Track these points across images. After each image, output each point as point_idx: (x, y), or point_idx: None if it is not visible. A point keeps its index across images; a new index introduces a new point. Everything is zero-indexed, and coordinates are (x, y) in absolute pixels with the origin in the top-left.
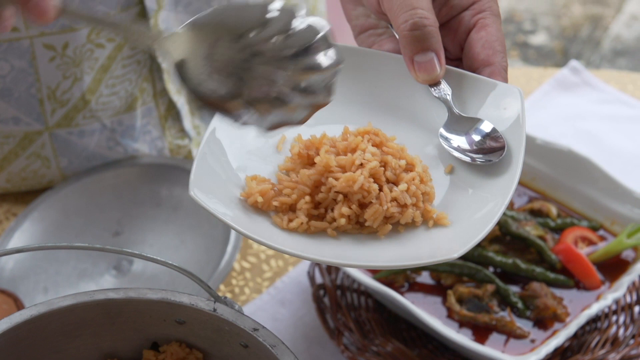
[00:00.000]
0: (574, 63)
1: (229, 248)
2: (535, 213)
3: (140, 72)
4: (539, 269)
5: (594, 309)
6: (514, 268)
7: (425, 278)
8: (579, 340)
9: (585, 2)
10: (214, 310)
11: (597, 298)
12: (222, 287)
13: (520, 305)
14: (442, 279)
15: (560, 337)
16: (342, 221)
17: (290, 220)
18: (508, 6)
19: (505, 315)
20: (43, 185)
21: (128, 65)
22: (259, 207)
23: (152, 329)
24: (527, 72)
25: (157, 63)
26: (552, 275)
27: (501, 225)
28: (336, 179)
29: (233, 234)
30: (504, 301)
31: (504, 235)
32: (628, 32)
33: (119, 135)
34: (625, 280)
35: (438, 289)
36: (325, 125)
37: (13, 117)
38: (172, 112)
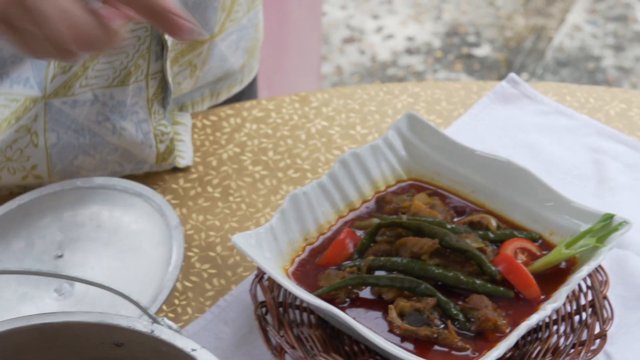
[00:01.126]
0: (512, 75)
1: (170, 268)
2: (475, 225)
3: (138, 48)
4: (479, 281)
5: (534, 319)
6: (455, 281)
7: (366, 293)
8: (520, 351)
9: (528, 14)
10: (152, 331)
11: (537, 308)
12: (164, 307)
13: (461, 317)
14: (383, 294)
15: (500, 348)
16: None
17: None
18: (452, 19)
19: (446, 328)
20: (27, 171)
21: (128, 38)
22: None
23: (91, 352)
24: (467, 85)
25: (161, 39)
26: (492, 287)
27: (441, 238)
28: None
29: (174, 254)
30: (445, 314)
31: (444, 249)
32: (570, 43)
33: (109, 110)
34: (564, 290)
35: (380, 304)
36: None
37: (26, 77)
38: (159, 97)
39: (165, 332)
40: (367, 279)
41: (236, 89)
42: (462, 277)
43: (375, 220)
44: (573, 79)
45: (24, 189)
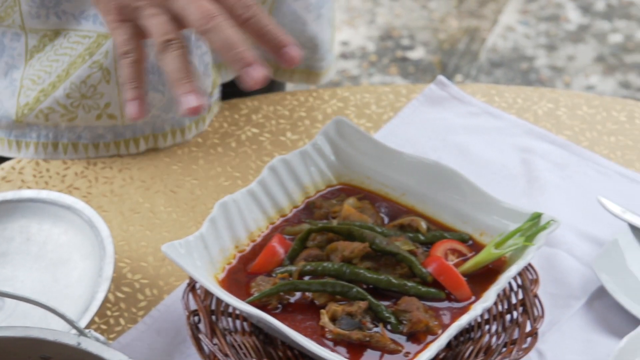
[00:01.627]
0: (440, 78)
1: (102, 279)
2: (405, 228)
3: None
4: (410, 283)
5: (464, 320)
6: (386, 284)
7: (298, 299)
8: (453, 351)
9: (461, 16)
10: (78, 344)
11: (468, 309)
12: (96, 319)
13: (393, 320)
14: (315, 299)
15: (432, 349)
16: None
17: None
18: (385, 23)
19: (379, 331)
20: (100, 109)
21: None
22: None
23: None
24: (396, 88)
25: None
26: (423, 288)
27: (372, 242)
28: None
29: (105, 265)
30: (377, 317)
31: (375, 252)
32: (504, 44)
33: None
34: (494, 290)
35: (312, 309)
36: None
37: (94, 14)
38: None
39: (93, 345)
40: (298, 285)
41: (325, 78)
42: (393, 280)
43: (306, 226)
44: (507, 80)
45: (102, 130)
